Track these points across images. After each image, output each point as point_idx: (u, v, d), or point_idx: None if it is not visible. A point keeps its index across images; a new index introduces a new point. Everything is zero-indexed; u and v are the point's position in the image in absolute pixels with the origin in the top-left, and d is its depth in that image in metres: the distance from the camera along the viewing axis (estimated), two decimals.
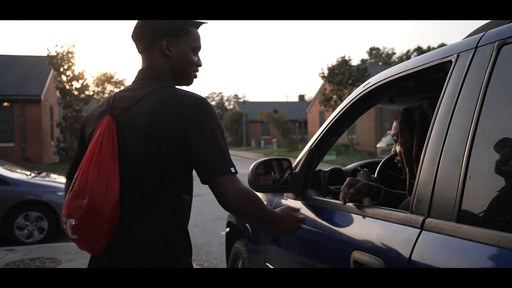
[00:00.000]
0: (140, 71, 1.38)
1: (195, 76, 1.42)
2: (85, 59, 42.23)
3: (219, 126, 1.25)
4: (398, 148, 1.55)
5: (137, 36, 1.36)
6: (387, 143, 13.26)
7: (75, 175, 1.28)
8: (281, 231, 1.43)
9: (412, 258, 1.15)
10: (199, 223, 6.82)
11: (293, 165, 2.10)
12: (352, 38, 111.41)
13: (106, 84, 18.11)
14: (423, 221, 1.18)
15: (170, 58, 1.35)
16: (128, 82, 28.39)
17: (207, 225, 6.76)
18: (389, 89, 1.68)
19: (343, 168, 2.28)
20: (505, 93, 1.09)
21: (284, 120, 25.66)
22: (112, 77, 19.32)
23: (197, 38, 1.39)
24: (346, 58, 21.05)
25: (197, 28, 1.40)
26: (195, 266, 4.47)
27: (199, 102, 1.25)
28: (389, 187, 2.04)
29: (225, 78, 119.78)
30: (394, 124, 1.57)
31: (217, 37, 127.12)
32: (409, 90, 1.77)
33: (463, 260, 1.02)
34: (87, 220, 1.20)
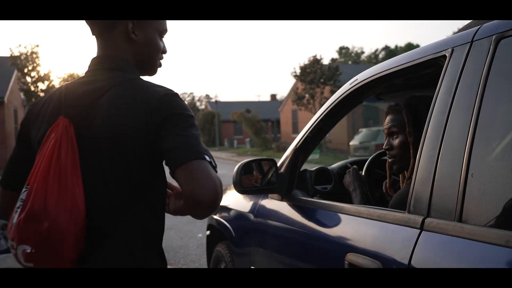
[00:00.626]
0: (96, 59, 1.15)
1: (160, 65, 1.24)
2: (51, 60, 40.87)
3: (194, 122, 1.09)
4: (396, 141, 1.53)
5: None
6: (360, 140, 13.43)
7: (25, 190, 1.04)
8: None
9: (413, 259, 1.11)
10: (175, 225, 6.68)
11: (278, 165, 2.05)
12: (321, 38, 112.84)
13: None
14: (423, 221, 1.14)
15: (135, 43, 1.15)
16: None
17: (183, 227, 6.63)
18: (378, 86, 1.65)
19: (329, 167, 2.24)
20: (505, 88, 1.06)
21: (257, 119, 25.66)
22: (79, 78, 18.85)
23: (164, 20, 1.22)
24: (318, 57, 21.24)
25: None
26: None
27: (174, 95, 1.09)
28: (377, 186, 2.02)
29: (195, 78, 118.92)
30: (391, 117, 1.55)
31: (187, 36, 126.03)
32: (397, 86, 1.74)
33: (470, 261, 0.98)
34: (47, 248, 1.00)
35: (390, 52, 59.93)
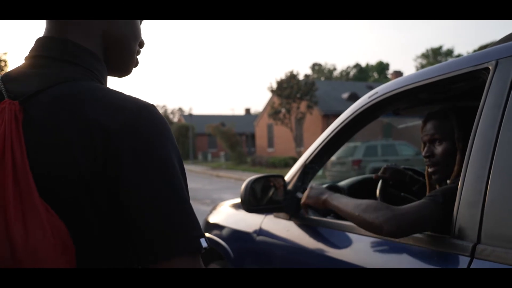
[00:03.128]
0: (45, 41, 0.76)
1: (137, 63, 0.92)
2: None
3: (177, 155, 0.70)
4: (440, 148, 1.42)
5: None
6: (337, 156, 13.47)
7: None
8: None
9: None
10: None
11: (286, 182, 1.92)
12: (294, 53, 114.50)
13: None
14: (474, 247, 1.04)
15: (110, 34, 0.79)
16: None
17: None
18: (400, 100, 1.56)
19: (339, 184, 2.13)
20: None
21: (232, 133, 25.51)
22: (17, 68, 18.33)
23: None
24: (294, 72, 21.40)
25: None
26: None
27: (144, 110, 0.70)
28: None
29: (168, 91, 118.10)
30: (434, 123, 1.43)
31: (159, 48, 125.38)
32: (419, 100, 1.66)
33: None
34: None
35: (361, 70, 61.34)
